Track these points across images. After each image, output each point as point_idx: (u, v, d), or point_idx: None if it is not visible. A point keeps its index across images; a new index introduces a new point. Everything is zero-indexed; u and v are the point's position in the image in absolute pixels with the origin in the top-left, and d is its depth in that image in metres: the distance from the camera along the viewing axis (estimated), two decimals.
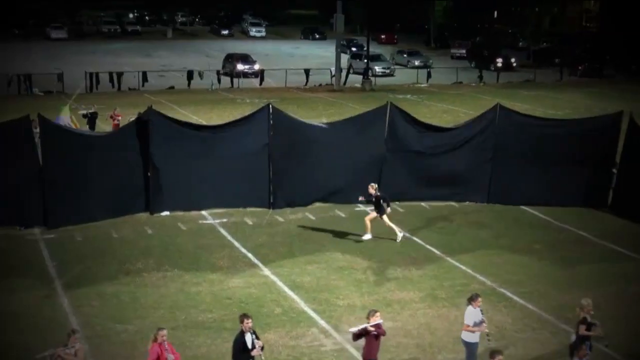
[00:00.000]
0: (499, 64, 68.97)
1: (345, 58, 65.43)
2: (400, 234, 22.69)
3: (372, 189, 22.46)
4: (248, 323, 13.65)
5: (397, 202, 25.72)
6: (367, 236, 22.76)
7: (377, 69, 64.08)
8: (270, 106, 25.48)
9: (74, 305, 17.98)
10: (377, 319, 13.91)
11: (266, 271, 20.40)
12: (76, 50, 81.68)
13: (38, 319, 17.25)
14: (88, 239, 22.47)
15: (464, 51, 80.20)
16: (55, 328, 16.60)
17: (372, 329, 13.88)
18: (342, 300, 18.57)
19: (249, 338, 13.63)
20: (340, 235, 23.26)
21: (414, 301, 18.60)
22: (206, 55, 76.46)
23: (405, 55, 74.80)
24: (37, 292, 18.70)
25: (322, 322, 17.42)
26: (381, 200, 22.41)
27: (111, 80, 54.39)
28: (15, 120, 23.46)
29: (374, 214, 22.71)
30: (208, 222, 24.25)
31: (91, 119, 34.24)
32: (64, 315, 17.50)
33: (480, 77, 61.37)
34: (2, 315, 17.30)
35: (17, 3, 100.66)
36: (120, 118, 33.21)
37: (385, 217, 22.56)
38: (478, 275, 20.21)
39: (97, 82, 53.45)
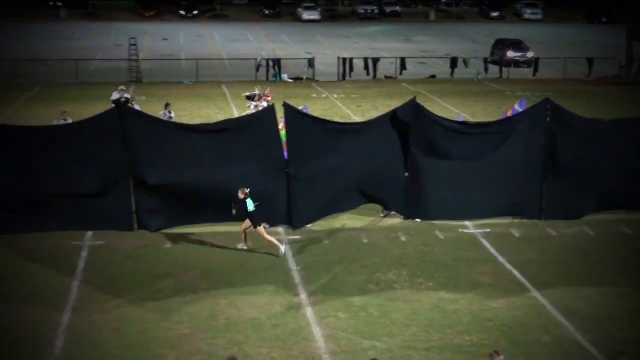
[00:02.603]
0: None
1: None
2: (282, 247, 22.18)
3: (242, 193, 21.85)
4: None
5: None
6: (241, 245, 22.63)
7: None
8: (549, 101, 25.05)
9: (319, 316, 18.60)
10: None
11: (534, 292, 20.07)
12: (329, 33, 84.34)
13: (281, 329, 17.99)
14: (335, 243, 23.15)
15: None
16: (299, 341, 17.35)
17: None
18: (624, 333, 17.95)
19: None
20: (625, 255, 22.49)
21: None
22: (473, 40, 76.41)
23: None
24: (280, 299, 19.52)
25: (601, 358, 16.90)
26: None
27: (366, 67, 55.59)
28: (264, 111, 24.57)
29: (248, 223, 22.25)
30: (469, 231, 24.24)
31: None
32: (307, 326, 18.15)
33: None
34: (245, 324, 18.21)
35: None
36: (269, 99, 34.61)
37: (260, 229, 22.05)
38: None
39: (351, 69, 54.85)
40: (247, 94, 36.64)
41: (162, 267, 21.36)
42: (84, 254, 22.18)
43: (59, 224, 23.37)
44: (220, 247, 22.69)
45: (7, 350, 16.88)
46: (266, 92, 35.73)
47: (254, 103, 34.29)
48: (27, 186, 23.05)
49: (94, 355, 16.75)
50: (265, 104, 33.65)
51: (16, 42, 72.15)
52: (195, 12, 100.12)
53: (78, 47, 69.75)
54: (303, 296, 19.70)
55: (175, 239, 23.26)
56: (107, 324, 18.12)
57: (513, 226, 24.62)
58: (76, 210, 23.41)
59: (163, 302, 19.27)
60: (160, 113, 31.70)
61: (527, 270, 21.28)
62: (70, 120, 29.66)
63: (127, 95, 35.64)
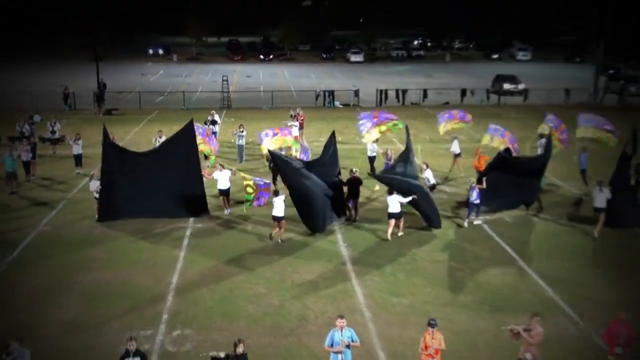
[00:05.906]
0: None
1: (603, 80, 61.75)
2: None
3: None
4: None
5: None
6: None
7: (633, 89, 59.89)
8: None
9: (360, 279, 18.70)
10: None
11: (521, 263, 19.96)
12: (370, 70, 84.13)
13: (332, 289, 18.13)
14: (374, 228, 23.00)
15: None
16: (345, 298, 17.49)
17: None
18: (596, 295, 17.76)
19: None
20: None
21: None
22: (478, 76, 75.60)
23: None
24: (331, 266, 19.62)
25: (570, 311, 16.78)
26: None
27: (397, 96, 55.45)
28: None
29: None
30: (477, 222, 23.71)
31: None
32: (352, 287, 18.26)
33: None
34: (305, 285, 18.45)
35: (327, 36, 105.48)
36: (302, 118, 34.97)
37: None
38: None
39: (386, 97, 54.72)
40: (292, 112, 36.65)
41: (245, 242, 21.55)
42: (188, 232, 22.51)
43: (159, 213, 23.48)
44: (290, 227, 22.67)
45: (132, 303, 17.26)
46: (299, 113, 35.65)
47: (289, 122, 33.96)
48: (135, 187, 23.34)
49: (194, 307, 17.06)
50: (296, 123, 33.59)
51: (140, 79, 73.08)
52: (271, 56, 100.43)
53: (185, 82, 70.37)
54: (349, 264, 19.78)
55: (255, 221, 23.38)
56: (204, 283, 18.42)
57: (508, 216, 24.34)
58: (171, 202, 23.60)
59: (245, 267, 19.52)
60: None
61: (516, 248, 21.08)
62: (164, 137, 29.64)
63: (215, 118, 35.06)
